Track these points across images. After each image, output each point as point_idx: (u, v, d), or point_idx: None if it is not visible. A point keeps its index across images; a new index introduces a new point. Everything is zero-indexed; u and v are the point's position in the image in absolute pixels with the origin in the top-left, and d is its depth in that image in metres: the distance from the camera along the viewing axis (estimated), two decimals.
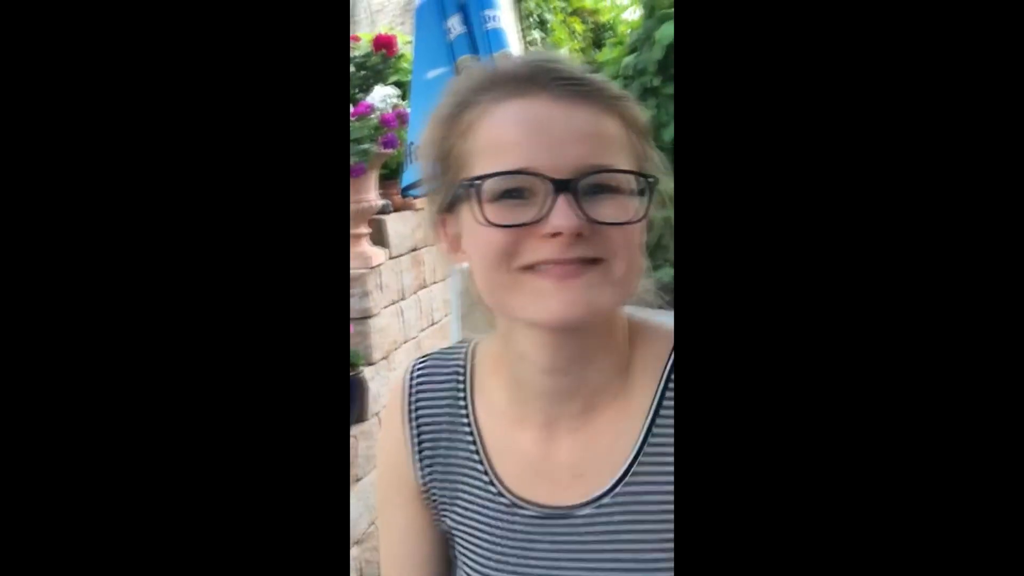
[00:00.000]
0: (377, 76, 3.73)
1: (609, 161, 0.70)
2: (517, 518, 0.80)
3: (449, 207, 0.75)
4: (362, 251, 3.06)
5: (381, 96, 3.11)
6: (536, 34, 6.37)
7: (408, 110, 2.90)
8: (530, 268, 0.70)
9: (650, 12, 5.53)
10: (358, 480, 2.78)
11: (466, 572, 0.85)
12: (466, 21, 2.51)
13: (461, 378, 0.86)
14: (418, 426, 0.86)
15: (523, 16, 6.19)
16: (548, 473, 0.79)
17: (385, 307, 3.23)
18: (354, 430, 2.80)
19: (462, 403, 0.85)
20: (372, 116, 3.00)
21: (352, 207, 2.95)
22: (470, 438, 0.84)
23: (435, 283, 3.92)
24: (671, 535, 0.71)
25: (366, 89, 3.41)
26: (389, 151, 3.04)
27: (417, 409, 0.87)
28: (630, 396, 0.78)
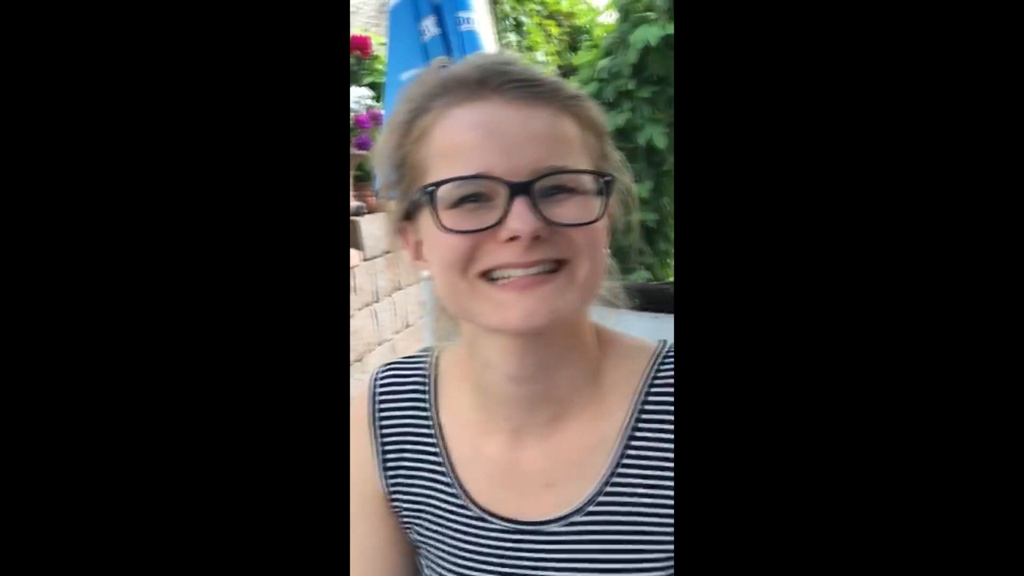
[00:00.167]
0: (351, 77, 3.71)
1: (566, 162, 0.70)
2: (485, 531, 0.78)
3: (408, 215, 0.75)
4: None
5: (355, 97, 3.10)
6: (512, 37, 6.37)
7: (382, 111, 2.89)
8: (492, 277, 0.69)
9: (625, 16, 5.55)
10: None
11: None
12: (441, 23, 2.50)
13: (425, 386, 0.85)
14: (382, 435, 0.85)
15: (499, 18, 6.19)
16: (516, 483, 0.78)
17: (359, 309, 3.21)
18: None
19: (426, 412, 0.84)
20: None
21: None
22: (435, 448, 0.82)
23: (409, 285, 3.91)
24: (644, 555, 0.72)
25: None
26: (363, 152, 3.03)
27: (381, 418, 0.86)
28: (603, 409, 0.77)
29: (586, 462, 0.76)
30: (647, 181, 5.39)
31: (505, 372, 0.75)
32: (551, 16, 7.64)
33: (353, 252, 3.18)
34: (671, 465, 0.73)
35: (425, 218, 0.71)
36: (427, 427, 0.84)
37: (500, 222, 0.67)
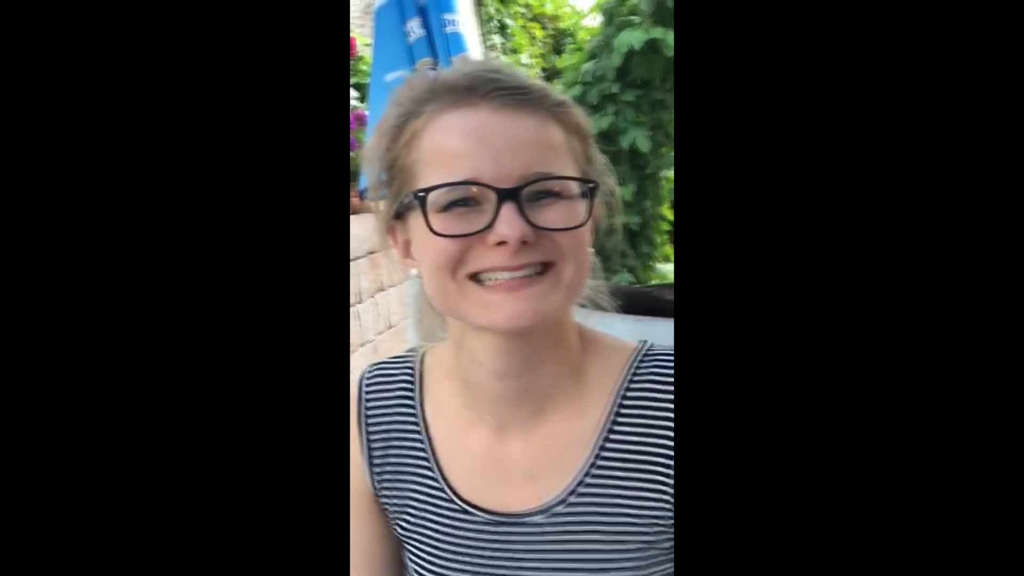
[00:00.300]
0: None
1: (552, 168, 0.71)
2: (467, 523, 0.80)
3: (397, 215, 0.77)
4: None
5: None
6: (496, 39, 6.38)
7: (367, 112, 2.89)
8: (480, 278, 0.71)
9: (609, 19, 5.57)
10: None
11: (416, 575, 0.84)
12: (426, 24, 2.50)
13: (411, 384, 0.87)
14: (369, 432, 0.87)
15: (483, 21, 6.20)
16: (499, 476, 0.80)
17: None
18: None
19: (412, 408, 0.86)
20: None
21: None
22: (420, 443, 0.84)
23: (392, 286, 3.90)
24: (622, 543, 0.74)
25: None
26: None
27: (368, 415, 0.88)
28: (583, 404, 0.79)
29: (567, 455, 0.78)
30: (630, 184, 5.41)
31: (491, 368, 0.77)
32: (536, 19, 7.66)
33: None
34: (648, 458, 0.76)
35: (415, 219, 0.73)
36: (413, 424, 0.85)
37: (489, 227, 0.69)
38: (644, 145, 5.29)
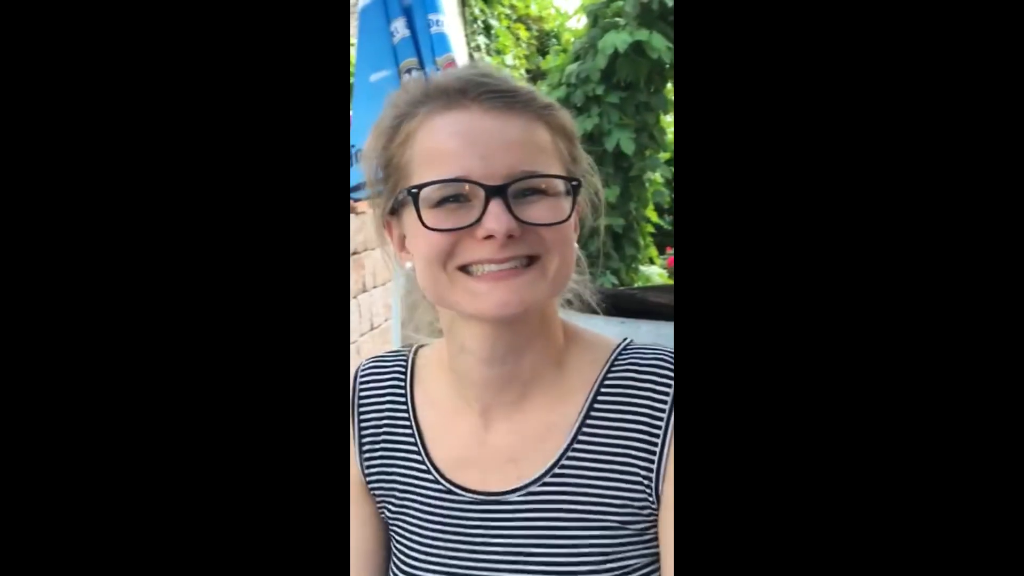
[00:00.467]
0: None
1: (538, 167, 0.76)
2: (451, 502, 0.85)
3: (393, 211, 0.81)
4: None
5: None
6: (481, 40, 6.38)
7: (351, 112, 2.88)
8: (469, 270, 0.76)
9: (594, 21, 5.59)
10: None
11: (401, 557, 0.89)
12: (410, 25, 2.50)
13: (402, 375, 0.92)
14: (361, 421, 0.92)
15: (468, 21, 6.20)
16: (483, 458, 0.85)
17: None
18: None
19: (402, 397, 0.91)
20: None
21: None
22: (409, 429, 0.89)
23: (376, 287, 3.90)
24: (596, 523, 0.80)
25: None
26: None
27: (361, 405, 0.93)
28: (564, 392, 0.84)
29: (546, 439, 0.83)
30: (615, 186, 5.43)
31: (478, 355, 0.82)
32: (521, 20, 7.67)
33: None
34: (622, 443, 0.81)
35: (409, 215, 0.78)
36: (403, 411, 0.90)
37: (478, 221, 0.73)
38: (628, 147, 5.31)
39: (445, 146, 0.76)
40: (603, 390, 0.83)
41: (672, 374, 0.80)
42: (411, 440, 0.89)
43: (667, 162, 5.99)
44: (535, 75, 7.56)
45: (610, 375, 0.83)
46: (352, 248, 3.57)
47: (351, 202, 3.26)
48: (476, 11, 6.37)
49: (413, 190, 0.75)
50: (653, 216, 6.06)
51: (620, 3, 5.34)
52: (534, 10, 8.04)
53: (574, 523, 0.81)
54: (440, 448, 0.87)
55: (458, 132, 0.76)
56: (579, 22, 6.23)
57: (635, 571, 0.80)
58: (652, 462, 0.79)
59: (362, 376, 0.94)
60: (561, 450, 0.82)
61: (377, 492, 0.91)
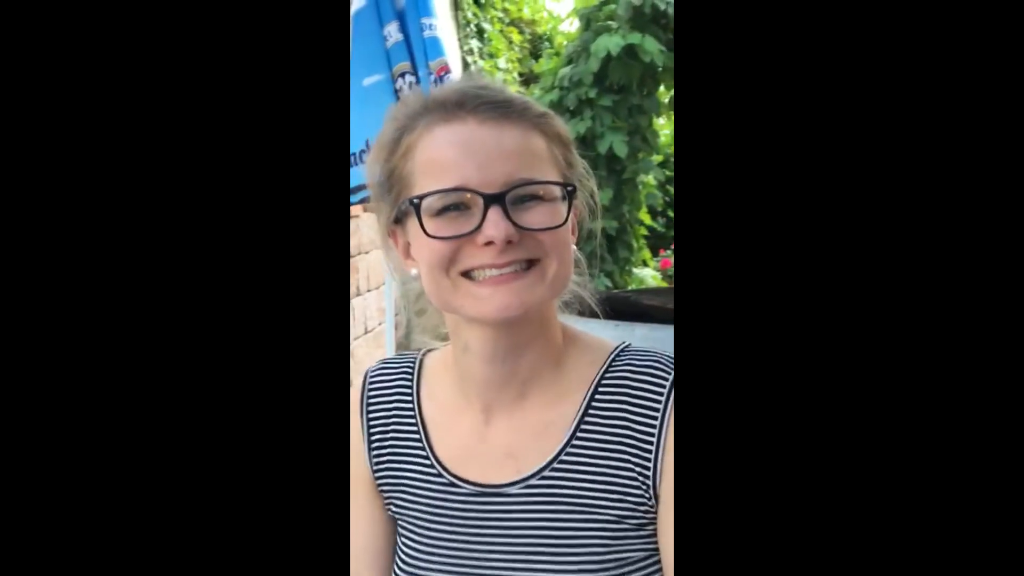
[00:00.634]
0: None
1: (534, 174, 0.79)
2: (454, 495, 0.88)
3: (397, 221, 0.85)
4: None
5: None
6: (474, 43, 6.39)
7: None
8: (471, 275, 0.79)
9: (587, 24, 5.60)
10: None
11: (404, 550, 0.91)
12: (403, 29, 2.51)
13: (410, 375, 0.96)
14: (369, 419, 0.95)
15: (461, 25, 6.20)
16: (484, 454, 0.88)
17: None
18: None
19: (409, 396, 0.94)
20: None
21: None
22: (415, 425, 0.92)
23: (369, 291, 3.90)
24: (593, 517, 0.82)
25: None
26: None
27: (369, 404, 0.96)
28: (562, 392, 0.87)
29: (545, 435, 0.86)
30: (608, 189, 5.43)
31: (480, 354, 0.85)
32: (513, 23, 7.68)
33: None
34: (619, 440, 0.84)
35: (412, 224, 0.81)
36: (409, 410, 0.94)
37: (477, 229, 0.77)
38: (621, 150, 5.32)
39: (444, 157, 0.79)
40: (600, 390, 0.86)
41: (668, 376, 0.83)
42: (416, 436, 0.92)
43: (660, 165, 6.00)
44: (528, 78, 7.57)
45: (607, 376, 0.86)
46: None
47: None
48: (469, 15, 6.38)
49: (415, 200, 0.78)
50: (646, 219, 6.07)
51: (612, 6, 5.35)
52: (527, 13, 8.05)
53: (572, 516, 0.83)
54: (443, 444, 0.90)
55: (456, 143, 0.79)
56: (572, 25, 6.24)
57: (634, 564, 0.82)
58: (648, 460, 0.81)
59: (371, 377, 0.98)
60: (559, 446, 0.85)
61: (385, 489, 0.94)
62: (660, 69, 5.29)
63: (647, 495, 0.81)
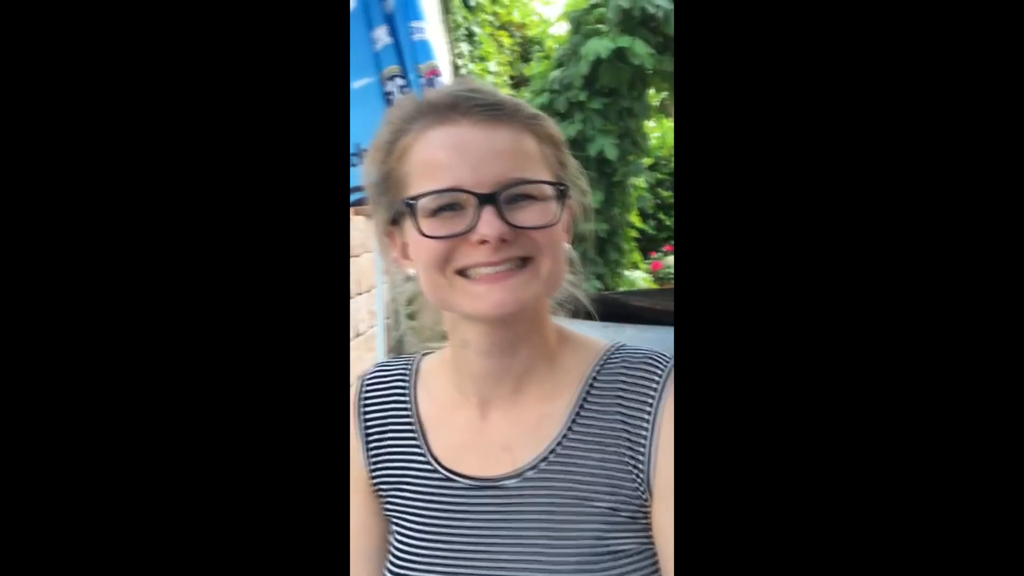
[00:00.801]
0: None
1: (526, 173, 0.81)
2: (450, 490, 0.89)
3: (394, 221, 0.86)
4: None
5: None
6: (464, 47, 6.39)
7: None
8: (466, 273, 0.81)
9: (576, 28, 5.61)
10: None
11: (398, 548, 0.92)
12: (393, 32, 2.51)
13: (406, 377, 0.98)
14: (365, 422, 0.97)
15: (451, 28, 6.20)
16: (480, 447, 0.90)
17: None
18: None
19: (405, 396, 0.96)
20: None
21: None
22: (411, 424, 0.94)
23: (360, 294, 3.89)
24: (588, 507, 0.84)
25: None
26: None
27: (365, 407, 0.98)
28: (556, 386, 0.89)
29: (540, 429, 0.88)
30: (598, 192, 5.45)
31: (477, 349, 0.87)
32: (503, 27, 7.69)
33: None
34: (613, 432, 0.86)
35: (408, 224, 0.83)
36: (406, 409, 0.96)
37: (472, 228, 0.79)
38: (611, 153, 5.34)
39: (438, 159, 0.81)
40: (596, 384, 0.88)
41: (663, 370, 0.85)
42: (412, 434, 0.93)
43: (650, 167, 6.02)
44: (518, 81, 7.58)
45: (603, 371, 0.88)
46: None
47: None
48: (459, 18, 6.39)
49: (410, 201, 0.81)
50: (637, 221, 6.09)
51: (602, 10, 5.36)
52: (517, 17, 8.06)
53: (567, 507, 0.85)
54: (439, 439, 0.92)
55: (450, 145, 0.81)
56: (561, 29, 6.25)
57: (629, 556, 0.83)
58: (642, 451, 0.82)
59: (367, 380, 1.00)
60: (554, 438, 0.87)
61: (382, 489, 0.95)
62: (649, 72, 5.31)
63: (641, 487, 0.82)
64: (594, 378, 0.88)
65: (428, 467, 0.91)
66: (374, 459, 0.95)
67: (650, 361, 0.86)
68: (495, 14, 7.43)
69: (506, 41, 7.65)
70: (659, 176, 7.94)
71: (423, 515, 0.90)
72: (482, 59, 6.76)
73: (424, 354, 1.00)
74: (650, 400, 0.83)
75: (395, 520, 0.94)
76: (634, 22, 5.20)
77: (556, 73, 5.53)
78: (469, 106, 0.81)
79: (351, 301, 3.74)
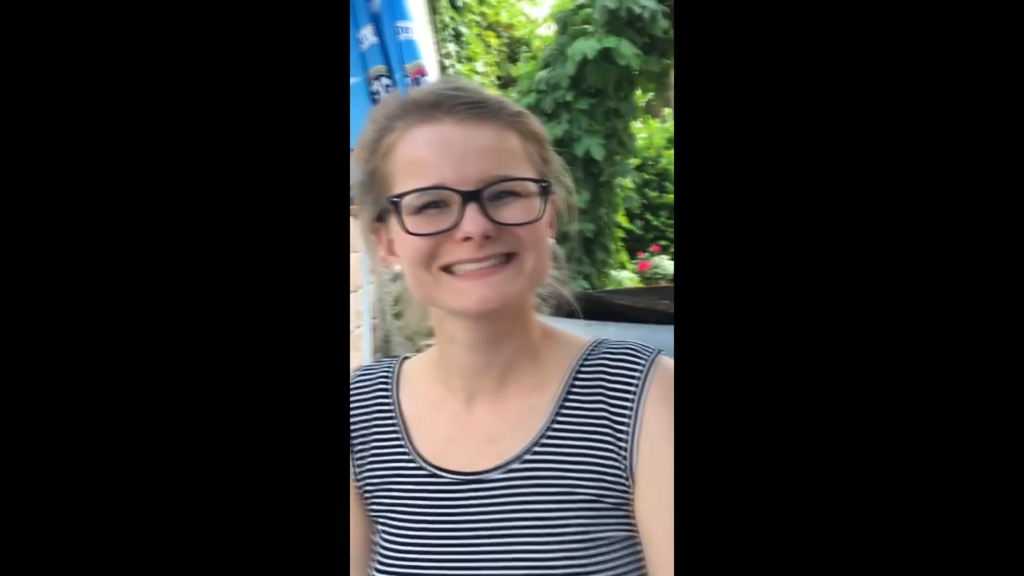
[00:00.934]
0: None
1: (509, 171, 0.81)
2: (435, 486, 0.90)
3: (379, 219, 0.87)
4: None
5: None
6: (451, 47, 6.39)
7: None
8: (451, 269, 0.81)
9: (563, 28, 5.62)
10: None
11: (384, 548, 0.92)
12: (379, 32, 2.51)
13: (389, 379, 0.99)
14: (350, 424, 0.97)
15: (438, 29, 6.20)
16: (466, 441, 0.90)
17: None
18: None
19: (388, 397, 0.97)
20: None
21: None
22: (395, 424, 0.95)
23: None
24: (573, 497, 0.85)
25: None
26: None
27: (350, 409, 0.98)
28: (540, 380, 0.90)
29: (525, 422, 0.89)
30: (585, 192, 5.46)
31: (463, 343, 0.88)
32: (490, 27, 7.68)
33: None
34: (596, 424, 0.87)
35: (394, 222, 0.84)
36: (390, 410, 0.96)
37: (456, 225, 0.79)
38: (598, 153, 5.35)
39: (422, 156, 0.82)
40: (579, 377, 0.89)
41: (644, 359, 0.86)
42: (396, 434, 0.94)
43: (637, 168, 6.03)
44: (505, 82, 7.58)
45: (585, 364, 0.90)
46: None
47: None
48: (446, 18, 6.38)
49: (395, 199, 0.81)
50: (624, 221, 6.10)
51: (589, 10, 5.38)
52: (504, 17, 8.06)
53: (553, 497, 0.85)
54: (424, 437, 0.93)
55: (433, 143, 0.82)
56: (548, 29, 6.26)
57: (615, 543, 0.84)
58: (625, 439, 0.84)
59: (353, 381, 1.00)
60: (539, 429, 0.88)
61: (367, 491, 0.95)
62: (636, 73, 5.33)
63: (624, 474, 0.83)
64: (577, 371, 0.89)
65: (413, 465, 0.91)
66: (359, 462, 0.95)
67: (631, 351, 0.87)
68: (482, 14, 7.43)
69: (493, 42, 7.65)
70: (646, 176, 7.95)
71: (410, 513, 0.90)
72: (470, 59, 6.76)
73: (406, 357, 1.01)
74: (632, 387, 0.85)
75: (381, 520, 0.94)
76: (620, 23, 5.21)
77: (543, 73, 5.54)
78: (453, 104, 0.82)
79: None
